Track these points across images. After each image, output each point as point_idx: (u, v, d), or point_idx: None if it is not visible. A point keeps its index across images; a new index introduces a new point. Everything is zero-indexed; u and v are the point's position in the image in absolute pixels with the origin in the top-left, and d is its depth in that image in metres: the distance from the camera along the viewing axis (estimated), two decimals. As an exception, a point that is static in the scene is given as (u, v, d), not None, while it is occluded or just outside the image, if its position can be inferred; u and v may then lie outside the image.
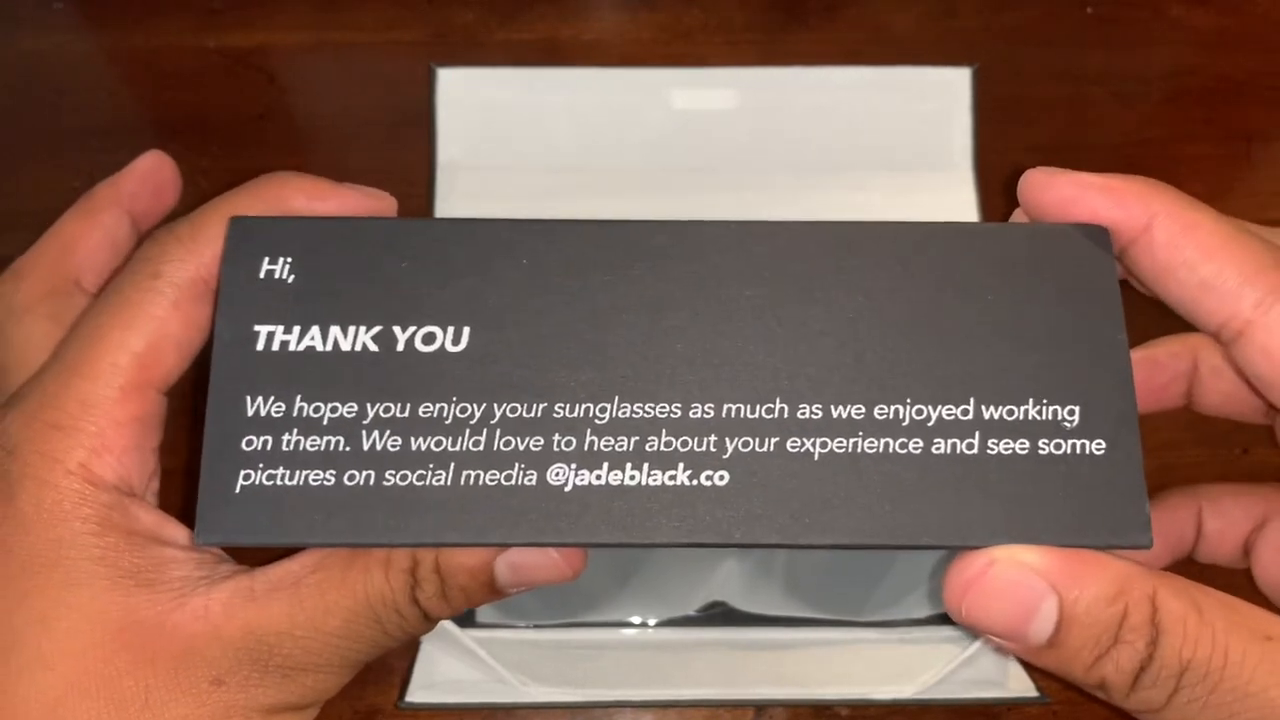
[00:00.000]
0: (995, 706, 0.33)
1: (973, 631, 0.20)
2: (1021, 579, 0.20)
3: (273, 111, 0.43)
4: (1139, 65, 0.44)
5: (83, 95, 0.43)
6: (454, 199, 0.40)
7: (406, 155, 0.41)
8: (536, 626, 0.35)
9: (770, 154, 0.41)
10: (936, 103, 0.41)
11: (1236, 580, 0.20)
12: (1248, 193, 0.41)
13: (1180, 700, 0.19)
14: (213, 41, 0.44)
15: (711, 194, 0.40)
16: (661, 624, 0.35)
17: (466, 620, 0.34)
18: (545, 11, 0.45)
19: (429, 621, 0.22)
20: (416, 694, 0.32)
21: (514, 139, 0.41)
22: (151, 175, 0.27)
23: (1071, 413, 0.21)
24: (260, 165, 0.41)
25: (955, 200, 0.40)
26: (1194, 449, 0.36)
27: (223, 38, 0.44)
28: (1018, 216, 0.23)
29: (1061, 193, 0.22)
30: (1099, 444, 0.21)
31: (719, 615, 0.35)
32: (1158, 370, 0.27)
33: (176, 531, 0.22)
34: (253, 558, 0.22)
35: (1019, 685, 0.33)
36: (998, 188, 0.40)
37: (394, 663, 0.33)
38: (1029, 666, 0.33)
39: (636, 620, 0.35)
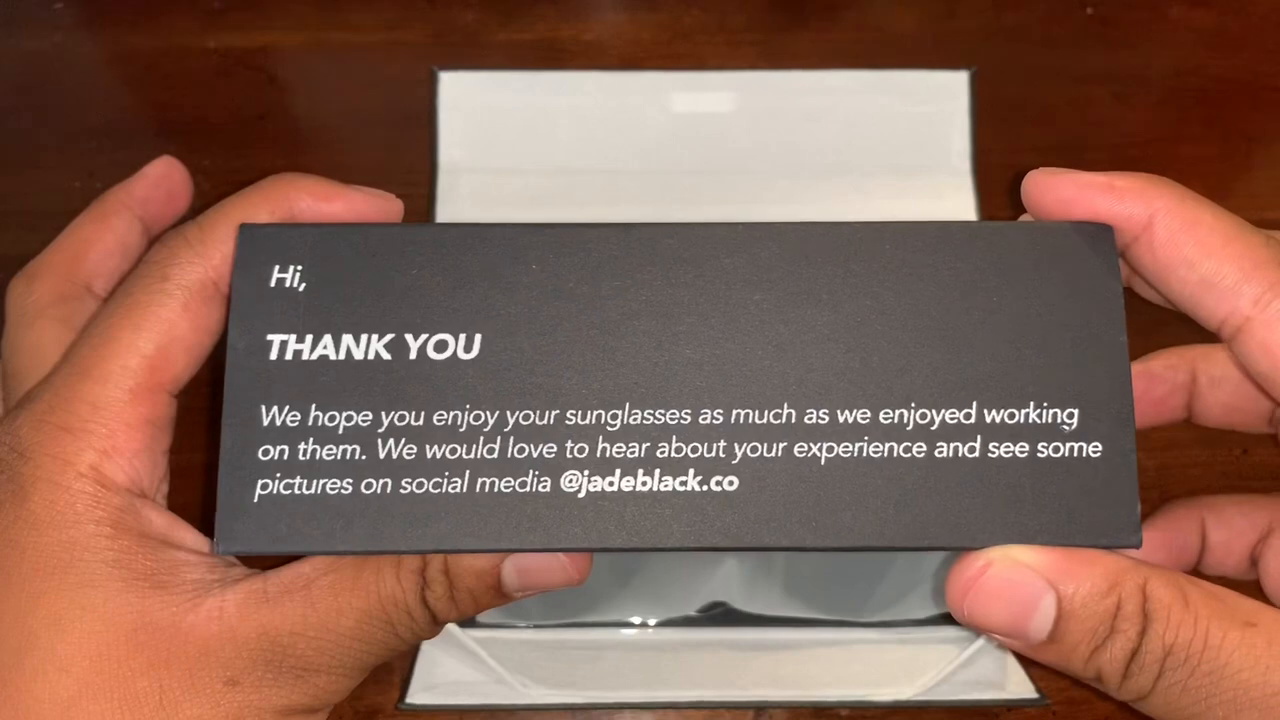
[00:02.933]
0: (995, 708, 0.33)
1: (976, 631, 0.20)
2: (1019, 578, 0.20)
3: (273, 111, 0.43)
4: (1139, 65, 0.44)
5: (83, 95, 0.43)
6: (455, 201, 0.40)
7: (407, 155, 0.41)
8: (536, 626, 0.35)
9: (769, 157, 0.41)
10: (935, 106, 0.41)
11: (1250, 593, 0.21)
12: (1248, 193, 0.41)
13: (1163, 684, 0.20)
14: (213, 42, 0.44)
15: (711, 196, 0.40)
16: (661, 624, 0.35)
17: (467, 620, 0.34)
18: (545, 12, 0.45)
19: (437, 625, 0.22)
20: (417, 695, 0.33)
21: (515, 142, 0.41)
22: (163, 181, 0.27)
23: (1070, 415, 0.21)
24: (260, 165, 0.41)
25: (954, 203, 0.40)
26: (1194, 449, 0.36)
27: (223, 38, 0.44)
28: (1025, 220, 0.23)
29: (1063, 193, 0.22)
30: (1096, 446, 0.21)
31: (719, 616, 0.35)
32: (1155, 383, 0.27)
33: (187, 534, 0.22)
34: (262, 562, 0.22)
35: (1018, 687, 0.33)
36: (998, 188, 0.40)
37: (394, 663, 0.33)
38: (1027, 667, 0.33)
39: (636, 620, 0.35)
